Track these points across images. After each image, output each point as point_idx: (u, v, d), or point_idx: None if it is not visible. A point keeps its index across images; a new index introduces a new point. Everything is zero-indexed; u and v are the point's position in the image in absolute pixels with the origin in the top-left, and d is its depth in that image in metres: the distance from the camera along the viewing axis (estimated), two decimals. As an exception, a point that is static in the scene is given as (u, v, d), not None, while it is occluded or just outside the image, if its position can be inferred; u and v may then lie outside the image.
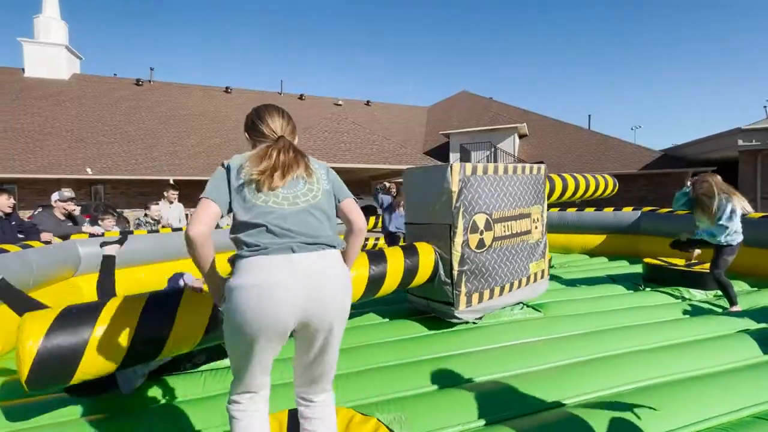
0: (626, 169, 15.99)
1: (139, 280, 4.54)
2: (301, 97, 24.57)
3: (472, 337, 2.83)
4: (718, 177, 3.61)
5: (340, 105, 23.83)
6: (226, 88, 23.20)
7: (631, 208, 6.41)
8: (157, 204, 5.53)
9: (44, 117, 16.69)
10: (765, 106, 13.45)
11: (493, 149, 18.44)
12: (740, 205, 3.50)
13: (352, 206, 1.44)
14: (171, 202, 5.78)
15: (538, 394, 2.00)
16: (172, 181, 14.43)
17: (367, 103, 25.72)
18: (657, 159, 15.66)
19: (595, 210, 6.65)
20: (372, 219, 7.72)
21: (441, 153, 19.84)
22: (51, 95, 18.00)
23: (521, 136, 19.77)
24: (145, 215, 5.43)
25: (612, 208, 6.54)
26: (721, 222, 3.44)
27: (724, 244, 3.48)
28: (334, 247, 1.28)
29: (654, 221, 5.90)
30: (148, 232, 4.88)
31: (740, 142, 12.19)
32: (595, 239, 6.42)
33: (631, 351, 2.53)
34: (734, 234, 3.49)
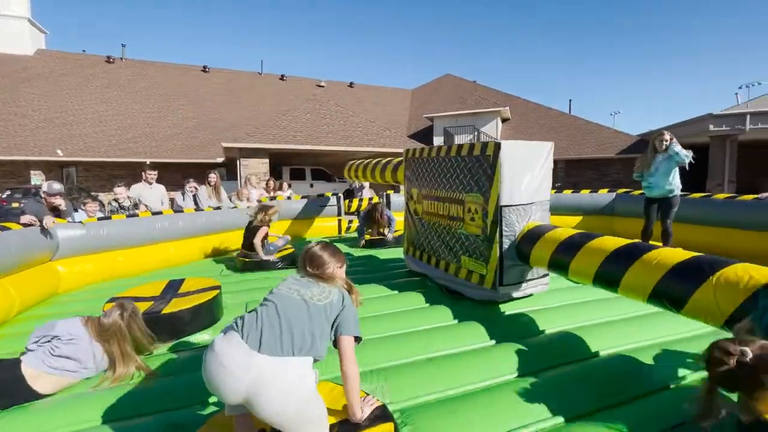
0: (604, 153, 16.41)
1: (117, 263, 4.47)
2: (282, 78, 23.95)
3: (460, 308, 2.97)
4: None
5: (322, 86, 23.37)
6: (204, 67, 22.38)
7: (607, 190, 6.63)
8: (121, 186, 5.24)
9: (8, 95, 15.80)
10: (736, 94, 13.93)
11: (476, 133, 18.53)
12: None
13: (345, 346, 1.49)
14: (150, 183, 5.65)
15: (509, 364, 2.13)
16: (149, 163, 14.01)
17: (351, 85, 25.31)
18: (633, 143, 16.11)
19: (572, 192, 6.86)
20: (355, 202, 7.75)
21: (425, 136, 19.83)
22: (14, 72, 17.00)
23: (504, 120, 19.91)
24: (115, 200, 5.19)
25: (589, 190, 6.76)
26: (676, 152, 3.97)
27: (675, 194, 4.15)
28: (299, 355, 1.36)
29: (627, 203, 6.13)
30: (127, 216, 4.78)
31: (711, 128, 12.62)
32: (572, 220, 6.64)
33: (605, 321, 2.69)
34: (677, 186, 4.16)
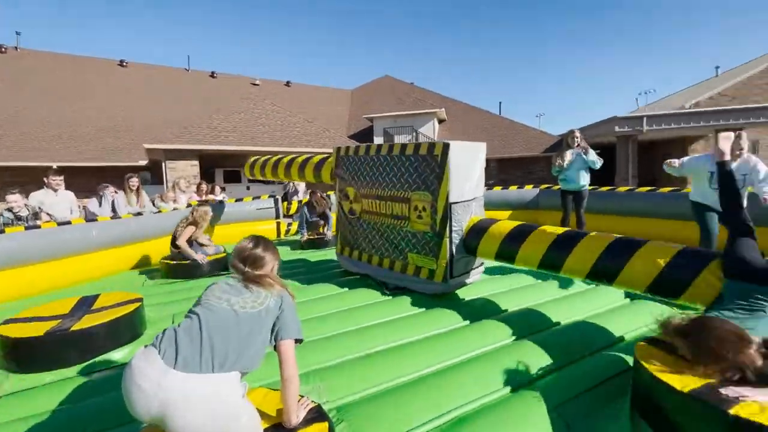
0: (531, 152, 17.79)
1: (14, 283, 3.91)
2: (212, 75, 22.62)
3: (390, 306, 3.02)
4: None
5: (257, 85, 22.49)
6: (121, 61, 20.40)
7: (532, 186, 7.20)
8: (15, 193, 4.55)
9: None
10: (636, 99, 15.86)
11: (415, 133, 19.04)
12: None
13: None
14: (55, 190, 5.00)
15: (433, 357, 2.20)
16: (55, 167, 12.43)
17: (287, 84, 24.65)
18: (556, 142, 17.66)
19: (501, 188, 7.36)
20: (295, 204, 7.58)
21: (365, 136, 19.94)
22: None
23: (440, 121, 20.70)
24: (9, 210, 4.51)
25: (516, 186, 7.29)
26: (594, 162, 4.61)
27: (586, 187, 4.77)
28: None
29: (550, 197, 6.73)
30: (26, 227, 4.18)
31: (617, 129, 14.22)
32: (502, 215, 7.10)
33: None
34: (587, 182, 4.80)
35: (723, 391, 1.22)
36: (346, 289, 3.53)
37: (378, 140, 19.44)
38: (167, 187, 9.81)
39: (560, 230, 2.66)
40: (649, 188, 5.51)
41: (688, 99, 17.07)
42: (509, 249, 2.78)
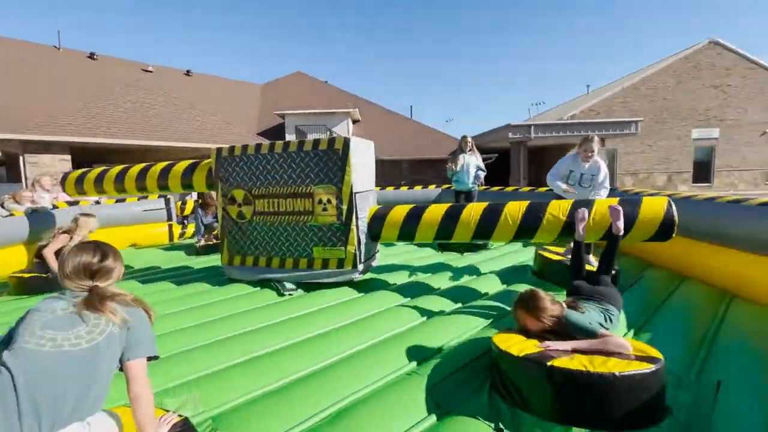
0: (438, 154, 18.92)
1: None
2: (92, 57, 19.56)
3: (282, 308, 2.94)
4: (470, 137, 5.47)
5: (150, 72, 20.10)
6: (-40, 29, 16.46)
7: (434, 186, 7.69)
8: None
9: None
10: (528, 109, 17.99)
11: (328, 132, 18.89)
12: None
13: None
14: None
15: (314, 358, 2.17)
16: None
17: (188, 73, 22.49)
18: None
19: (408, 188, 7.73)
20: (190, 204, 6.95)
21: (276, 133, 19.18)
22: None
23: (354, 122, 20.87)
24: None
25: (421, 186, 7.71)
26: (479, 167, 5.33)
27: (475, 188, 5.39)
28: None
29: (450, 196, 7.21)
30: None
31: (510, 135, 15.91)
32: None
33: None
34: (476, 184, 5.45)
35: (546, 351, 1.64)
36: (242, 293, 3.35)
37: (290, 137, 18.84)
38: (27, 186, 8.20)
39: (446, 206, 3.21)
40: (530, 188, 6.27)
41: (566, 111, 19.85)
42: (409, 229, 3.22)
